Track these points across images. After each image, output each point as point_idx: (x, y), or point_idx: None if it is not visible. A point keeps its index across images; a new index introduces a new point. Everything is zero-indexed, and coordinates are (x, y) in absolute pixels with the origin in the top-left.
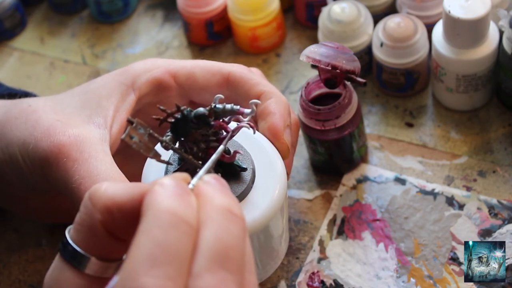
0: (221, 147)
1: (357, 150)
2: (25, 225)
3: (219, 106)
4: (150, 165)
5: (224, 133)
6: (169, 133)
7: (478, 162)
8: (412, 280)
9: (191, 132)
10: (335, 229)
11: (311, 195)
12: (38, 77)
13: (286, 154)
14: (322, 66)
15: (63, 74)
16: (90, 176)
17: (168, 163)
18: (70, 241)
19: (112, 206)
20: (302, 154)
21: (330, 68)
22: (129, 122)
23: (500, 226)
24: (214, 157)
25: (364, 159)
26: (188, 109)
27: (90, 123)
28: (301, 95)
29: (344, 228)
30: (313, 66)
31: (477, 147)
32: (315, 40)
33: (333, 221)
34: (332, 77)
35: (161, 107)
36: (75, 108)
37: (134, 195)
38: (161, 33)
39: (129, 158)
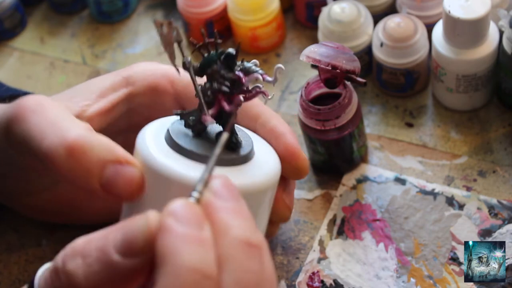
0: (224, 135)
1: (357, 150)
2: (25, 225)
3: (249, 63)
4: (148, 132)
5: (239, 95)
6: (189, 58)
7: (478, 162)
8: (412, 280)
9: (213, 65)
10: (335, 229)
11: (311, 195)
12: (38, 77)
13: (307, 169)
14: (322, 66)
15: (63, 74)
16: (50, 123)
17: (181, 67)
18: None
19: None
20: None
21: (330, 68)
22: (170, 22)
23: (500, 226)
24: (217, 151)
25: (364, 159)
26: (222, 50)
27: (65, 101)
28: (301, 95)
29: (344, 228)
30: (313, 66)
31: (477, 147)
32: (315, 40)
33: (333, 221)
34: (332, 77)
35: (201, 38)
36: (63, 93)
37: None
38: None
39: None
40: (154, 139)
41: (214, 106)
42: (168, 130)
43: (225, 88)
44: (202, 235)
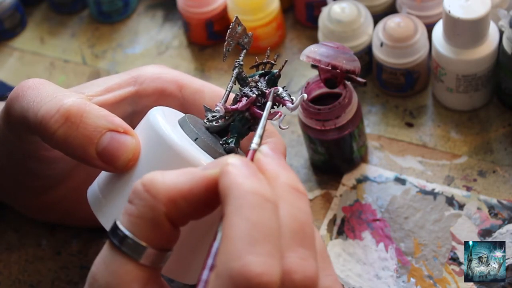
0: (268, 103)
1: (357, 150)
2: (25, 225)
3: (284, 91)
4: (161, 111)
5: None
6: (242, 61)
7: (478, 162)
8: (412, 280)
9: (254, 77)
10: (335, 229)
11: (311, 195)
12: (38, 77)
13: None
14: (322, 66)
15: (63, 74)
16: (47, 95)
17: (226, 53)
18: (131, 235)
19: (176, 196)
20: (302, 154)
21: (330, 68)
22: (246, 29)
23: (500, 226)
24: (264, 113)
25: (364, 159)
26: (275, 71)
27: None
28: None
29: (344, 228)
30: (313, 66)
31: (477, 147)
32: (315, 40)
33: (333, 221)
34: (332, 77)
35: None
36: (70, 88)
37: (197, 182)
38: (161, 33)
39: None
40: (167, 119)
41: (235, 103)
42: (185, 116)
43: (250, 95)
44: (259, 175)
